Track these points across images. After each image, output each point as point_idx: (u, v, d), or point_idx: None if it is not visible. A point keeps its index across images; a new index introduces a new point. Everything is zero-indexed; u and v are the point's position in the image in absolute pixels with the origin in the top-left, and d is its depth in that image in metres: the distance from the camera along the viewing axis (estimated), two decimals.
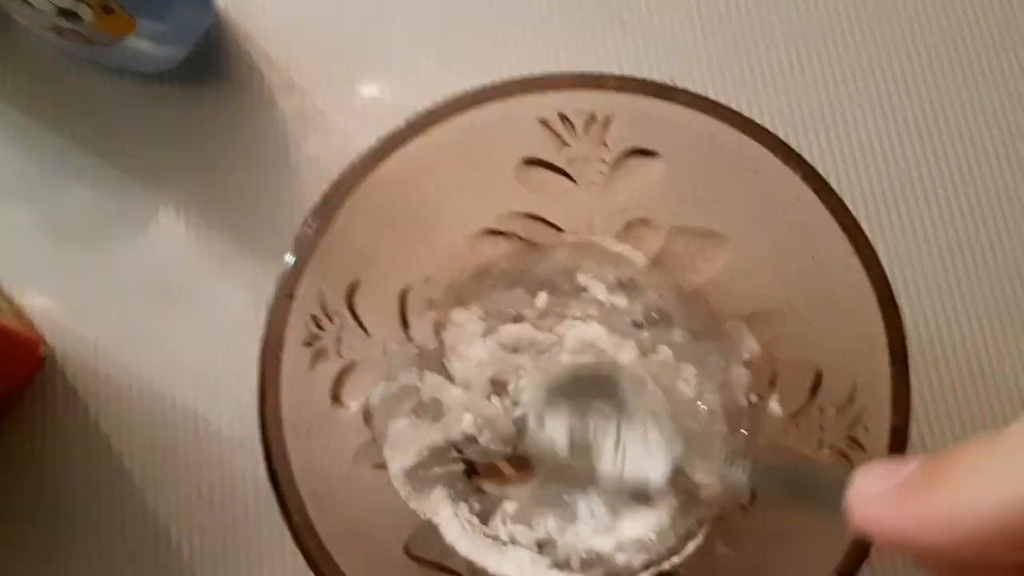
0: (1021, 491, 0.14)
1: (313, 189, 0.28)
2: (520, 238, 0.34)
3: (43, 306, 0.37)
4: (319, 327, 0.29)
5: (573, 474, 0.31)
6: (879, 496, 0.17)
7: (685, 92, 0.29)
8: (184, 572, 0.34)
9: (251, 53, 0.40)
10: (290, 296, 0.27)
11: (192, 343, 0.37)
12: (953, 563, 0.17)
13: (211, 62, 0.40)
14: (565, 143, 0.31)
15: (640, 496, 0.31)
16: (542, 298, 0.34)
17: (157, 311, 0.37)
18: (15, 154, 0.39)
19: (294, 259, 0.27)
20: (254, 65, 0.40)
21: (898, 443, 0.25)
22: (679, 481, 0.29)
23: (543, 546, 0.32)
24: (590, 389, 0.31)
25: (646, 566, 0.31)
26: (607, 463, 0.30)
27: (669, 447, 0.29)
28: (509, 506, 0.32)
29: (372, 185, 0.28)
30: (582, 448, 0.30)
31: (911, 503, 0.16)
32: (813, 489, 0.22)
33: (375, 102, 0.40)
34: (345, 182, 0.28)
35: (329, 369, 0.30)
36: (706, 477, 0.28)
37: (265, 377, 0.26)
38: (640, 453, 0.30)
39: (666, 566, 0.31)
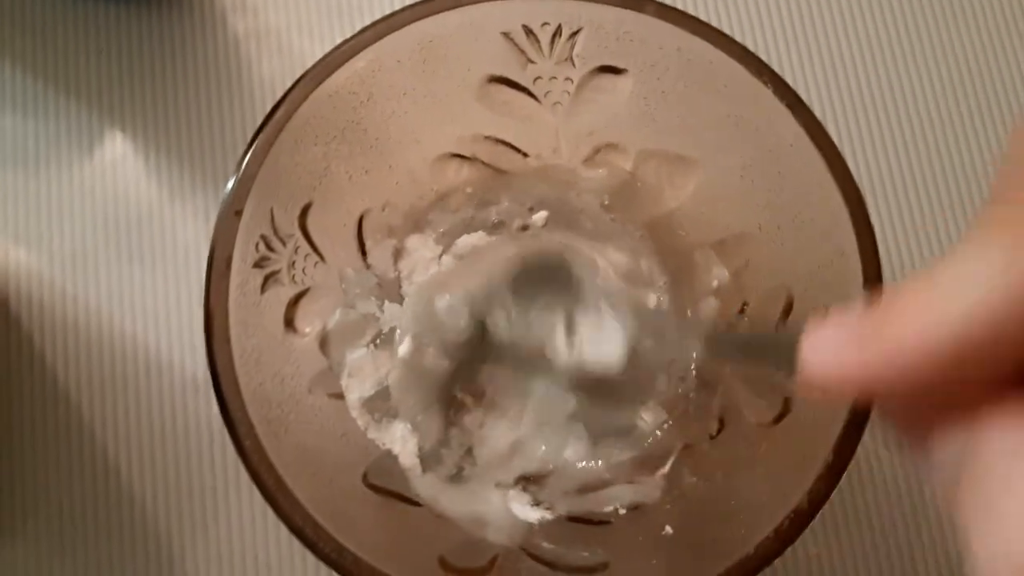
0: (969, 306, 0.14)
1: (266, 111, 0.26)
2: (484, 163, 0.33)
3: None
4: (270, 248, 0.27)
5: (532, 367, 0.30)
6: (831, 345, 0.16)
7: (654, 3, 0.27)
8: (135, 504, 0.33)
9: None
10: (237, 214, 0.25)
11: (141, 271, 0.35)
12: (913, 406, 0.17)
13: None
14: (530, 60, 0.30)
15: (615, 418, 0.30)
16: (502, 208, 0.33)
17: (104, 239, 0.36)
18: None
19: (240, 174, 0.25)
20: None
21: None
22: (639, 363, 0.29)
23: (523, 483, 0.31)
24: (541, 282, 0.30)
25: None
26: (562, 350, 0.29)
27: (625, 327, 0.28)
28: (479, 444, 0.31)
29: (321, 100, 0.27)
30: (535, 339, 0.30)
31: (864, 343, 0.16)
32: (767, 350, 0.21)
33: (329, 21, 0.38)
34: (293, 96, 0.26)
35: (282, 294, 0.28)
36: (664, 353, 0.28)
37: (211, 298, 0.25)
38: (596, 337, 0.29)
39: (639, 498, 0.30)
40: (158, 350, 0.35)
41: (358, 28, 0.27)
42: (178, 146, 0.37)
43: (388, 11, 0.27)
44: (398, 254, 0.33)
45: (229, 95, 0.37)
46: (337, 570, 0.23)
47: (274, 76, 0.37)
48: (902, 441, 0.17)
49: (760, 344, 0.23)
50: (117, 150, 0.37)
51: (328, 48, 0.27)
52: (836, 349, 0.16)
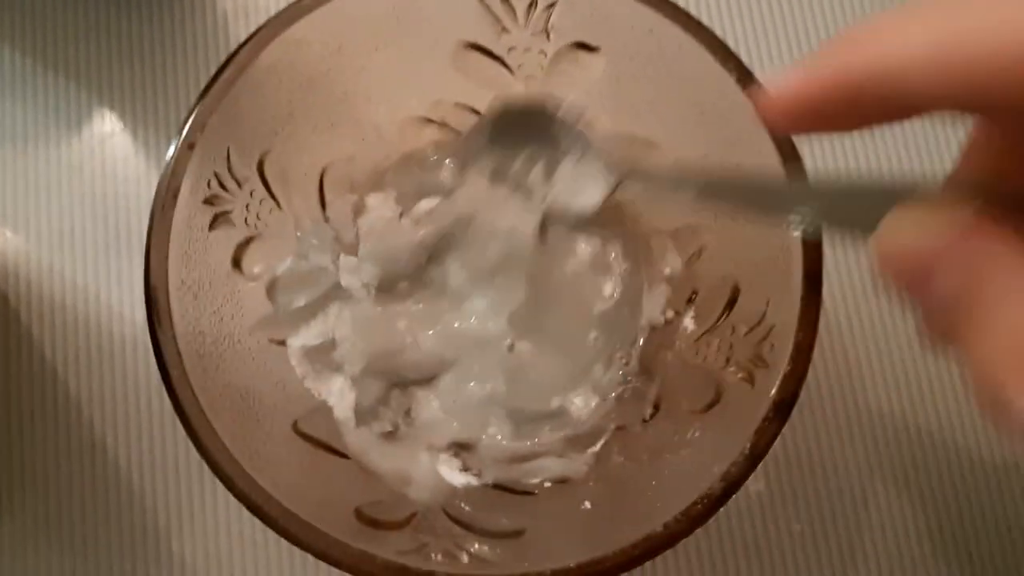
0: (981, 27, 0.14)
1: None
2: (452, 129, 0.33)
3: None
4: (223, 187, 0.27)
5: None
6: (792, 72, 0.17)
7: None
8: (122, 480, 0.33)
9: None
10: (190, 147, 0.25)
11: (128, 249, 0.35)
12: (913, 254, 0.16)
13: None
14: (504, 29, 0.30)
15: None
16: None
17: (92, 216, 0.36)
18: None
19: (197, 109, 0.25)
20: None
21: (801, 361, 0.24)
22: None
23: (455, 448, 0.31)
24: (520, 133, 0.30)
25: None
26: (537, 190, 0.29)
27: (606, 168, 0.28)
28: (418, 406, 0.32)
29: (288, 44, 0.27)
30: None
31: (830, 59, 0.16)
32: (758, 193, 0.22)
33: None
34: (259, 37, 0.26)
35: (232, 235, 0.28)
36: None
37: (154, 226, 0.25)
38: (575, 178, 0.29)
39: (567, 472, 0.30)
40: (145, 327, 0.35)
41: None
42: (166, 124, 0.37)
43: None
44: (358, 210, 0.33)
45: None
46: (249, 507, 0.23)
47: None
48: (901, 294, 0.17)
49: (748, 190, 0.23)
50: (105, 128, 0.37)
51: None
52: (802, 70, 0.17)
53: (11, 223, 0.35)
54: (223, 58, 0.26)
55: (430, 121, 0.33)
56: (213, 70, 0.26)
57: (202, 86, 0.25)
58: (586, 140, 0.29)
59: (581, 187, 0.28)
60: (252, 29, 0.26)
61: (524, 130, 0.30)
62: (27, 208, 0.36)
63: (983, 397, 0.15)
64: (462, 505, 0.28)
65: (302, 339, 0.31)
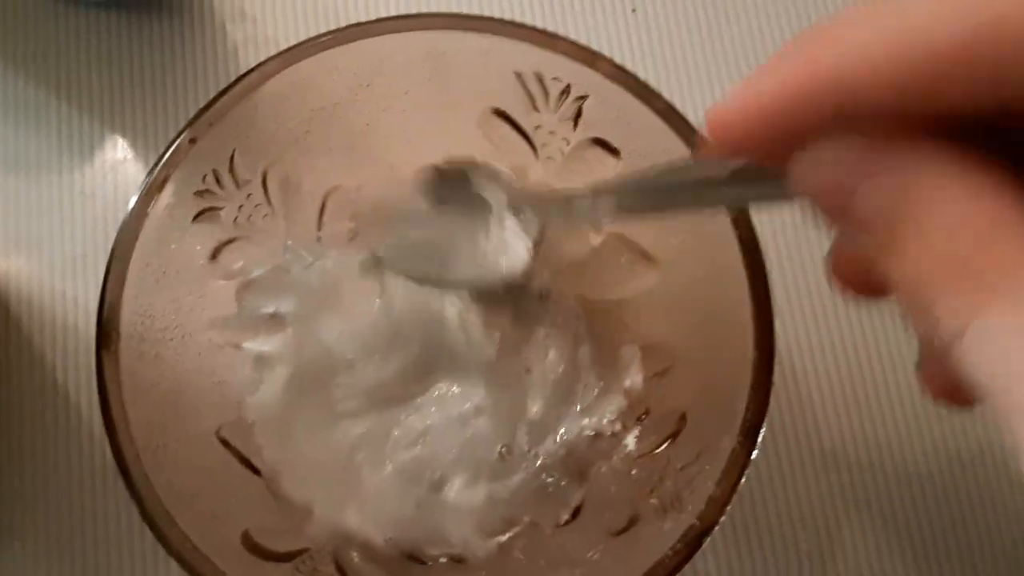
0: (937, 21, 0.13)
1: None
2: None
3: None
4: (219, 184, 0.28)
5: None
6: (737, 92, 0.16)
7: (663, 100, 0.27)
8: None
9: None
10: (192, 141, 0.26)
11: None
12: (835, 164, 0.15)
13: None
14: (535, 107, 0.30)
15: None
16: None
17: (104, 243, 0.35)
18: None
19: (210, 108, 0.26)
20: None
21: (710, 515, 0.24)
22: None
23: None
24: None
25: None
26: (467, 262, 0.29)
27: (530, 219, 0.28)
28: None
29: (320, 67, 0.27)
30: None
31: (787, 66, 0.15)
32: (677, 184, 0.21)
33: (327, 15, 0.39)
34: (292, 53, 0.27)
35: (217, 232, 0.29)
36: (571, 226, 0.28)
37: (135, 207, 0.25)
38: (501, 241, 0.29)
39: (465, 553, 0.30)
40: None
41: None
42: None
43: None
44: (352, 238, 0.33)
45: None
46: (135, 501, 0.23)
47: None
48: (824, 214, 0.16)
49: (665, 176, 0.22)
50: (117, 155, 0.37)
51: None
52: (750, 86, 0.16)
53: (24, 249, 0.36)
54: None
55: None
56: None
57: None
58: (504, 196, 0.29)
59: (507, 246, 0.28)
60: (261, 59, 0.27)
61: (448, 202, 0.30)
62: (39, 234, 0.36)
63: (915, 321, 0.14)
64: (353, 555, 0.28)
65: (258, 346, 0.31)
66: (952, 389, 0.19)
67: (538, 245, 0.28)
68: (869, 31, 0.14)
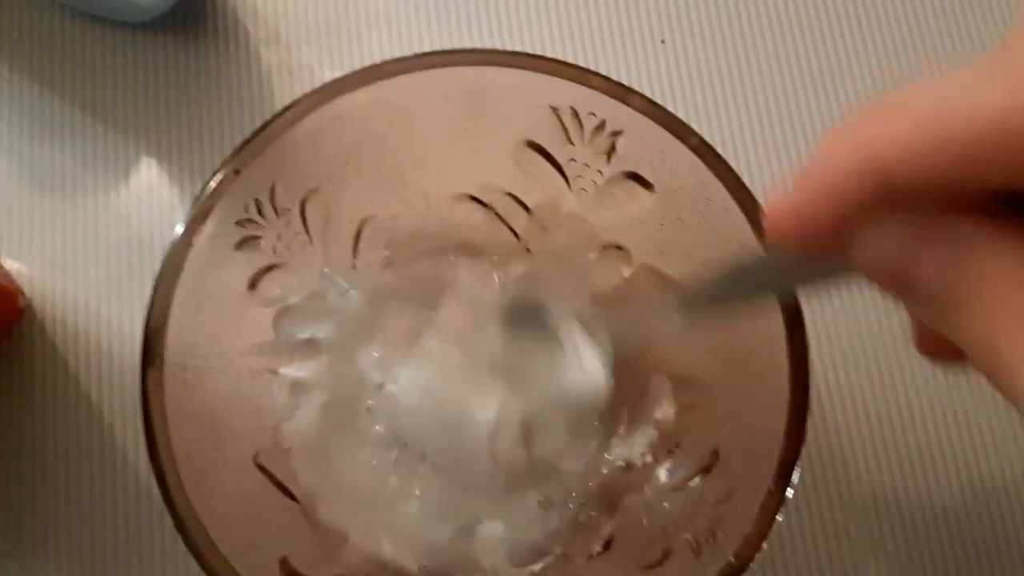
0: (980, 103, 0.14)
1: None
2: (498, 215, 0.34)
3: (21, 259, 0.37)
4: (260, 214, 0.28)
5: None
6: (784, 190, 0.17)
7: (698, 137, 0.28)
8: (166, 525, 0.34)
9: (237, 5, 0.40)
10: (236, 172, 0.27)
11: None
12: (893, 246, 0.16)
13: (196, 13, 0.39)
14: (570, 140, 0.30)
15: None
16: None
17: (139, 264, 0.37)
18: None
19: (254, 139, 0.27)
20: (239, 18, 0.40)
21: (745, 554, 0.24)
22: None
23: None
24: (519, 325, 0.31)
25: None
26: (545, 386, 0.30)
27: (603, 347, 0.29)
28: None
29: (360, 101, 0.28)
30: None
31: (832, 156, 0.16)
32: (742, 277, 0.22)
33: (361, 59, 0.40)
34: (333, 87, 0.27)
35: (256, 259, 0.29)
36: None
37: (180, 238, 0.26)
38: (577, 365, 0.30)
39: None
40: None
41: None
42: (208, 173, 0.38)
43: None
44: (386, 265, 0.33)
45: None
46: (177, 527, 0.24)
47: None
48: (884, 288, 0.17)
49: (732, 277, 0.23)
50: (153, 178, 0.38)
51: None
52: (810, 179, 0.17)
53: (59, 269, 0.37)
54: (266, 112, 0.27)
55: (478, 202, 0.33)
56: (257, 121, 0.27)
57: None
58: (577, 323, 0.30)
59: (585, 370, 0.29)
60: (295, 87, 0.27)
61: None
62: (75, 255, 0.37)
63: (990, 374, 0.15)
64: None
65: (294, 371, 0.31)
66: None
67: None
68: (909, 118, 0.15)
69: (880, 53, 0.42)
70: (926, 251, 0.16)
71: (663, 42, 0.41)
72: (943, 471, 0.36)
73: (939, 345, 0.20)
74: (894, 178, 0.15)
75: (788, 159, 0.40)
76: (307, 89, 0.27)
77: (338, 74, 0.27)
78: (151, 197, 0.38)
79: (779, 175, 0.40)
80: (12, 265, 0.37)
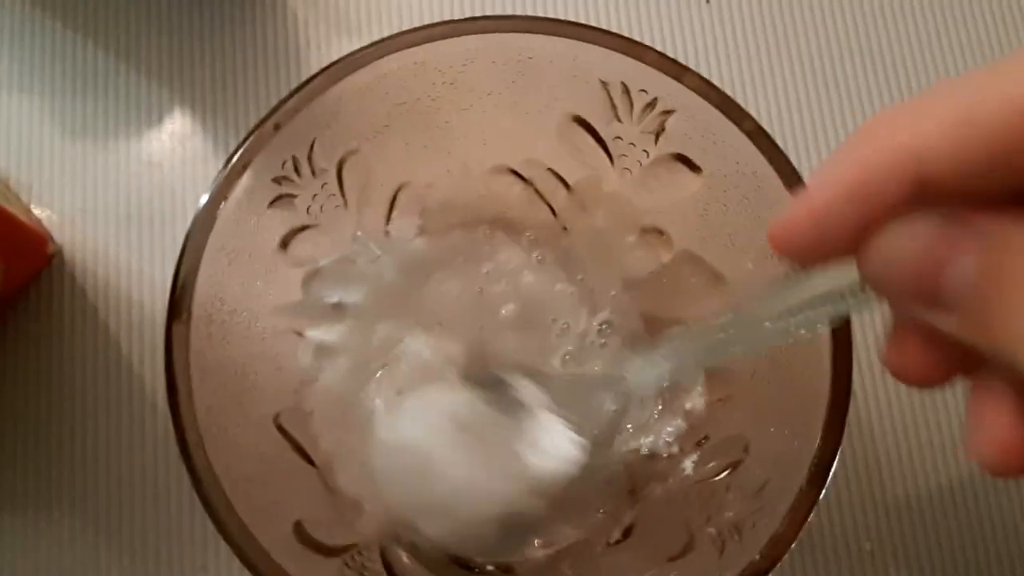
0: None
1: None
2: (537, 191, 0.33)
3: (51, 206, 0.37)
4: (297, 172, 0.28)
5: None
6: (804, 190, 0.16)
7: (752, 121, 0.27)
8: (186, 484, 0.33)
9: None
10: (277, 127, 0.26)
11: None
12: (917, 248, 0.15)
13: None
14: (617, 117, 0.29)
15: None
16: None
17: (169, 213, 0.37)
18: (25, 52, 0.38)
19: (297, 94, 0.26)
20: None
21: (772, 554, 0.23)
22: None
23: None
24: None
25: None
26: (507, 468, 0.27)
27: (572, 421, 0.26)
28: None
29: (406, 64, 0.27)
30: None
31: (841, 160, 0.15)
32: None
33: (413, 20, 0.39)
34: (380, 47, 0.26)
35: (290, 218, 0.29)
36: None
37: (216, 189, 0.25)
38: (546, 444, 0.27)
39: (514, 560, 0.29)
40: None
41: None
42: (246, 125, 0.37)
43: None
44: (420, 234, 0.33)
45: (298, 77, 0.38)
46: (195, 485, 0.23)
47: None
48: (903, 305, 0.17)
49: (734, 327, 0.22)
50: (186, 127, 0.38)
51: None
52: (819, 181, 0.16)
53: (90, 216, 0.36)
54: (301, 65, 0.26)
55: (518, 176, 0.33)
56: (292, 75, 0.26)
57: (282, 90, 0.26)
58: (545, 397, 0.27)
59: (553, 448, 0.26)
60: (337, 43, 0.26)
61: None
62: (106, 202, 0.37)
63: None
64: (401, 554, 0.27)
65: (320, 334, 0.31)
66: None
67: (604, 434, 0.27)
68: (944, 112, 0.15)
69: (951, 25, 0.40)
70: (960, 248, 0.15)
71: (708, 2, 0.40)
72: (979, 478, 0.35)
73: (920, 362, 0.18)
74: (928, 174, 0.15)
75: (835, 137, 0.39)
76: (350, 48, 0.27)
77: (385, 33, 0.27)
78: (183, 148, 0.37)
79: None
80: (42, 212, 0.36)
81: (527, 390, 0.27)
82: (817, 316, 0.19)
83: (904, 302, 0.16)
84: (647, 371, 0.25)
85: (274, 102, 0.31)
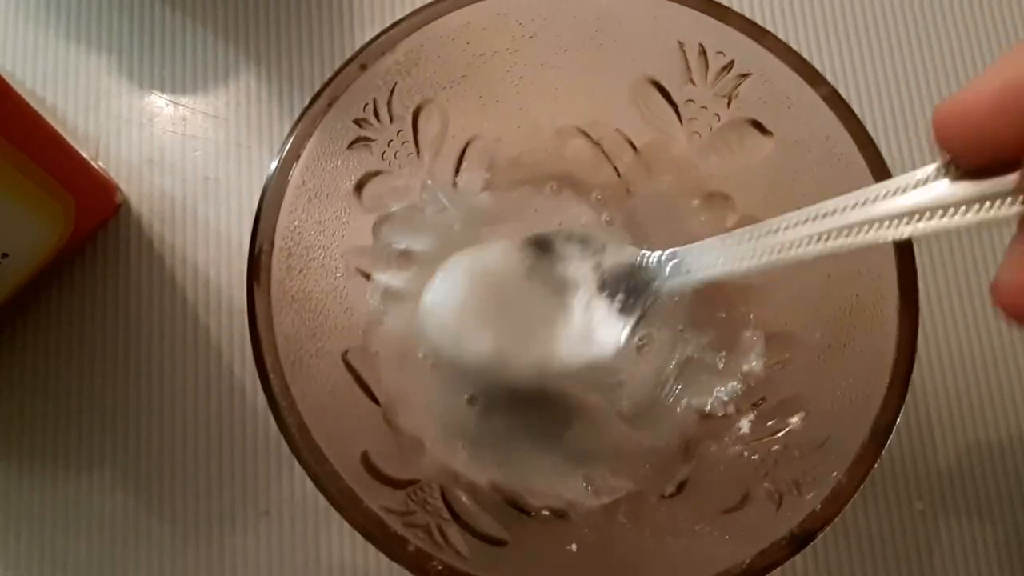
0: None
1: None
2: (604, 152, 0.33)
3: (118, 158, 0.37)
4: (376, 116, 0.28)
5: None
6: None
7: (829, 86, 0.27)
8: (260, 419, 0.34)
9: None
10: (363, 67, 0.27)
11: None
12: None
13: None
14: (691, 80, 0.30)
15: None
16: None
17: (234, 165, 0.37)
18: (93, 8, 0.39)
19: (383, 36, 0.27)
20: None
21: (833, 507, 0.24)
22: None
23: None
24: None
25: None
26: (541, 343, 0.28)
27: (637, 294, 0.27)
28: None
29: (489, 12, 0.28)
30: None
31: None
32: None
33: None
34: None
35: (366, 161, 0.29)
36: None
37: (301, 122, 0.26)
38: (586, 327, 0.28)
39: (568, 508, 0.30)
40: None
41: None
42: (311, 85, 0.38)
43: None
44: (486, 187, 0.33)
45: (362, 38, 0.38)
46: (271, 403, 0.24)
47: None
48: None
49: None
50: (251, 84, 0.38)
51: None
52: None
53: (157, 167, 0.37)
54: (365, 27, 0.26)
55: (586, 136, 0.33)
56: (357, 36, 0.26)
57: (346, 51, 0.26)
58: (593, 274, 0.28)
59: (591, 332, 0.28)
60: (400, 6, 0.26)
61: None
62: (173, 155, 0.37)
63: None
64: (460, 494, 0.28)
65: (388, 279, 0.31)
66: None
67: (640, 322, 0.27)
68: None
69: None
70: None
71: None
72: None
73: None
74: None
75: (909, 110, 0.39)
76: (414, 7, 0.27)
77: None
78: (249, 102, 0.38)
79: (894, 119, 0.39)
80: (109, 164, 0.37)
81: (575, 265, 0.28)
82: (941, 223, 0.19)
83: None
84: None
85: (336, 63, 0.32)
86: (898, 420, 0.24)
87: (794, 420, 0.28)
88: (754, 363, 0.31)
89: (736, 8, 0.28)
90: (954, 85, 0.40)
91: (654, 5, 0.28)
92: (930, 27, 0.40)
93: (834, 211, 0.22)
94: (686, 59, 0.29)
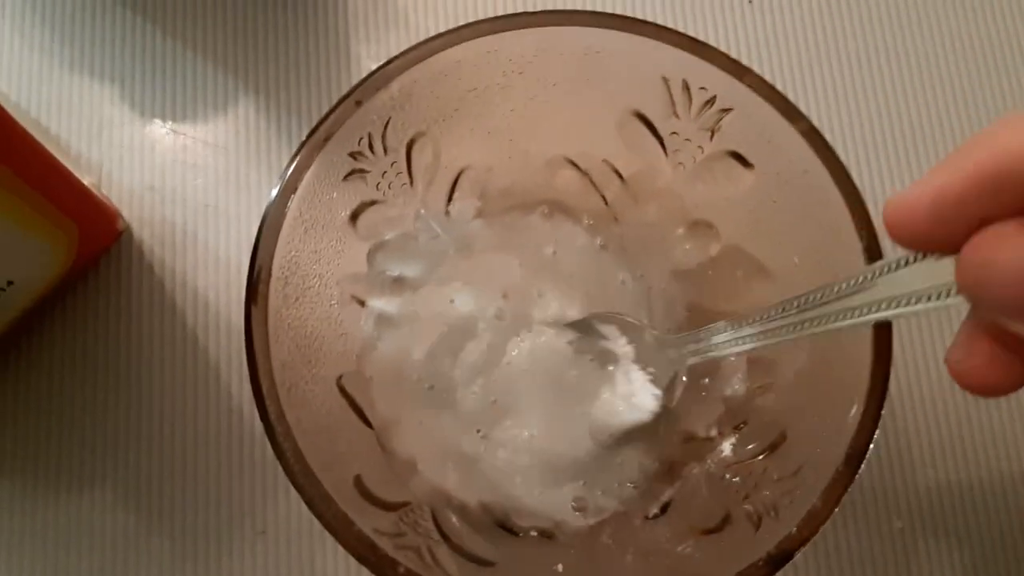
0: None
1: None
2: (592, 181, 0.34)
3: (120, 185, 0.38)
4: (371, 149, 0.29)
5: None
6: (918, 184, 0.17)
7: (807, 121, 0.28)
8: (256, 441, 0.35)
9: None
10: (358, 103, 0.28)
11: None
12: None
13: None
14: (675, 113, 0.31)
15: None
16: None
17: (236, 192, 0.38)
18: (96, 37, 0.40)
19: (378, 74, 0.28)
20: None
21: (808, 528, 0.25)
22: None
23: None
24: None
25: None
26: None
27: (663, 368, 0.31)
28: None
29: (479, 52, 0.29)
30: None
31: (958, 160, 0.16)
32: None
33: (479, 13, 0.41)
34: (455, 35, 0.28)
35: (361, 192, 0.30)
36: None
37: (299, 159, 0.27)
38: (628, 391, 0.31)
39: (554, 529, 0.31)
40: None
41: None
42: (308, 115, 0.39)
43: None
44: (477, 215, 0.34)
45: (359, 71, 0.39)
46: (267, 430, 0.25)
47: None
48: (994, 311, 0.16)
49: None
50: (251, 113, 0.39)
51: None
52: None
53: (159, 194, 0.38)
54: (362, 60, 0.27)
55: (575, 166, 0.34)
56: (353, 69, 0.27)
57: (342, 83, 0.27)
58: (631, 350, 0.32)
59: (632, 396, 0.31)
60: (394, 34, 0.27)
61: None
62: (174, 182, 0.38)
63: None
64: (450, 515, 0.29)
65: (382, 305, 0.32)
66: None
67: (670, 391, 0.31)
68: None
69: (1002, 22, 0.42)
70: None
71: (750, 2, 0.41)
72: (1007, 462, 0.37)
73: (992, 363, 0.18)
74: None
75: (884, 144, 0.40)
76: (408, 43, 0.28)
77: (441, 29, 0.28)
78: (248, 131, 0.39)
79: (874, 159, 0.40)
80: (111, 191, 0.38)
81: (617, 340, 0.32)
82: (888, 313, 0.20)
83: (1000, 309, 0.16)
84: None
85: (334, 95, 0.32)
86: (871, 445, 0.25)
87: (774, 443, 0.29)
88: (736, 387, 0.31)
89: (718, 46, 0.29)
90: (927, 118, 0.41)
91: (640, 43, 0.29)
92: (904, 65, 0.41)
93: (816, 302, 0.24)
94: (670, 94, 0.30)
